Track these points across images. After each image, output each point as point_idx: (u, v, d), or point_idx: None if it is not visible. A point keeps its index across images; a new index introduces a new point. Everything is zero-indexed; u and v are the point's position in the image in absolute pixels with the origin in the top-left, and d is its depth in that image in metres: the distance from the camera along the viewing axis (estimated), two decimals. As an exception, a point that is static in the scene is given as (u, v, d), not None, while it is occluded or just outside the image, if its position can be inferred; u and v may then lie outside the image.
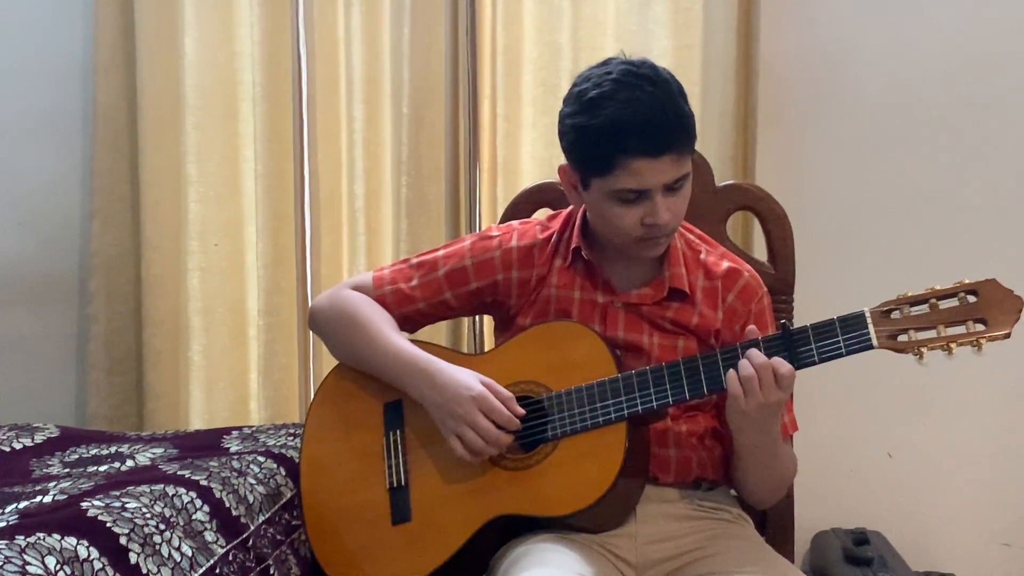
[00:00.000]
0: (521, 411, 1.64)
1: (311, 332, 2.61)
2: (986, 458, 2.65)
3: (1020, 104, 2.57)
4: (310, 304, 2.36)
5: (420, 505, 1.71)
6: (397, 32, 2.60)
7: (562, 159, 1.71)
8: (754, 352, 1.55)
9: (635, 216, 1.62)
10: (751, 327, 1.61)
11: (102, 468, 1.88)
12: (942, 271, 2.06)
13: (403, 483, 1.73)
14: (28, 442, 2.05)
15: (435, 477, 1.71)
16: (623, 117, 1.56)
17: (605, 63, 1.63)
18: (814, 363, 1.56)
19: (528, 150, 2.61)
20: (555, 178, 2.06)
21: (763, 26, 2.51)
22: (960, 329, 1.51)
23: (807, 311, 1.87)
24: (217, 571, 1.58)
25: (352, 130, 2.65)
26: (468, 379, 1.66)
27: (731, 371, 1.56)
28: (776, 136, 2.58)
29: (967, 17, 2.56)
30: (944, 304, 1.52)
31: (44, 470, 1.90)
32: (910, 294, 1.54)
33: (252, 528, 1.72)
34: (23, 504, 1.55)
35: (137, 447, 2.03)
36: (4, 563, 1.30)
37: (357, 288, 1.84)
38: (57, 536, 1.39)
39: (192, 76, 2.65)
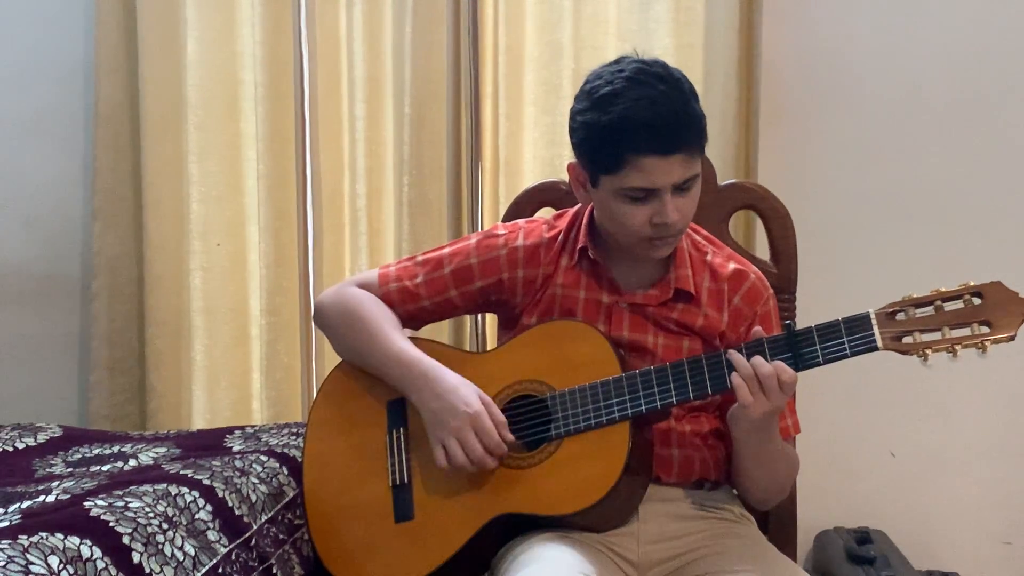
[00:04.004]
0: (511, 438, 1.64)
1: (314, 331, 2.63)
2: (989, 457, 2.64)
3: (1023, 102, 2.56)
4: (313, 303, 2.36)
5: (422, 503, 1.71)
6: (399, 31, 2.59)
7: (565, 158, 1.72)
8: (759, 361, 1.55)
9: (644, 215, 1.62)
10: (757, 328, 1.61)
11: (105, 468, 1.88)
12: (944, 269, 2.06)
13: (406, 481, 1.73)
14: (31, 442, 2.06)
15: (438, 475, 1.70)
16: (634, 114, 1.55)
17: (618, 61, 1.63)
18: (818, 364, 1.56)
19: (530, 149, 2.61)
20: (557, 177, 2.06)
21: (765, 25, 2.51)
22: (965, 331, 1.50)
23: (809, 310, 1.88)
24: (220, 570, 1.58)
25: (354, 129, 2.65)
26: (469, 395, 1.65)
27: (740, 383, 1.55)
28: (778, 135, 2.58)
29: (969, 15, 2.55)
30: (949, 306, 1.51)
31: (47, 470, 1.90)
32: (915, 296, 1.53)
33: (255, 527, 1.72)
34: (26, 504, 1.55)
35: (140, 447, 2.03)
36: (7, 563, 1.30)
37: (362, 285, 1.84)
38: (60, 536, 1.39)
39: (194, 76, 2.65)
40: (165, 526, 1.54)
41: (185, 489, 1.66)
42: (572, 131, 1.65)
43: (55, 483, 1.71)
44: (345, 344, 1.83)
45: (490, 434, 1.62)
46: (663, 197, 1.59)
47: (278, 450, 1.94)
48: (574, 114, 1.64)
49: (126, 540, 1.46)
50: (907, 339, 1.52)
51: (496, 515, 1.66)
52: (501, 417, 1.65)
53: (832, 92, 2.60)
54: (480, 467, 1.63)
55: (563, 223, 1.80)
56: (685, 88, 1.60)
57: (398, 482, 1.73)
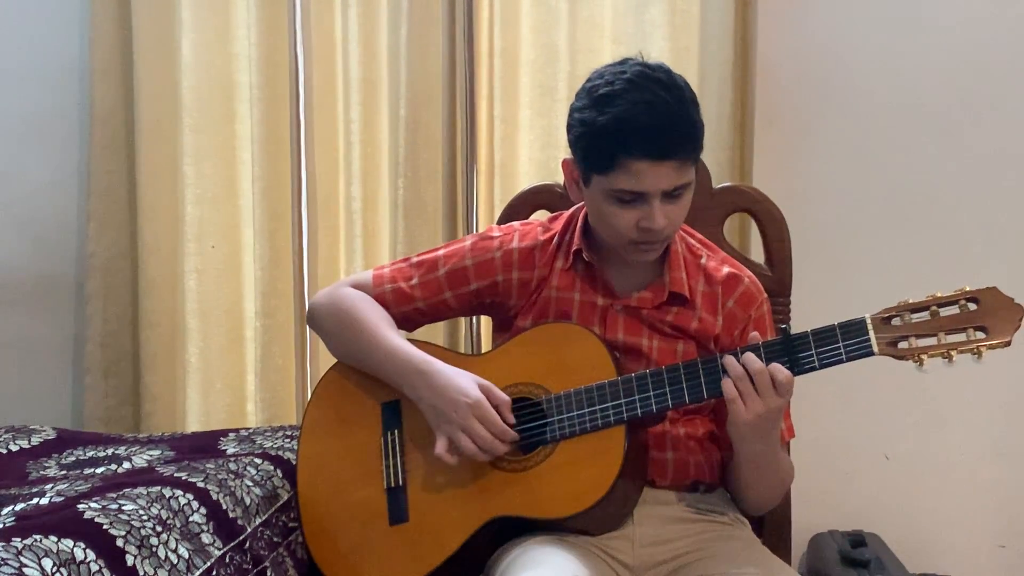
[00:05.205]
0: (511, 420, 1.64)
1: (308, 332, 2.63)
2: (983, 460, 2.65)
3: (1020, 106, 2.56)
4: (308, 304, 2.36)
5: (417, 506, 1.71)
6: (394, 34, 2.59)
7: (559, 159, 1.72)
8: (750, 357, 1.55)
9: (631, 218, 1.62)
10: (754, 333, 1.61)
11: (99, 470, 1.88)
12: (939, 273, 2.06)
13: (400, 483, 1.73)
14: (25, 444, 2.05)
15: (433, 478, 1.70)
16: (629, 117, 1.55)
17: (622, 62, 1.63)
18: (815, 369, 1.56)
19: (525, 152, 2.60)
20: (552, 180, 2.07)
21: (760, 28, 2.51)
22: (960, 336, 1.50)
23: (804, 313, 1.88)
24: (214, 573, 1.58)
25: (349, 132, 2.65)
26: (466, 384, 1.65)
27: (726, 379, 1.56)
28: (773, 138, 2.58)
29: (966, 18, 2.55)
30: (945, 311, 1.51)
31: (41, 472, 1.90)
32: (911, 301, 1.53)
33: (249, 530, 1.72)
34: (20, 506, 1.55)
35: (134, 449, 2.03)
36: (1, 565, 1.30)
37: (357, 286, 1.84)
38: (54, 538, 1.39)
39: (189, 78, 2.65)
40: (159, 529, 1.54)
41: (179, 492, 1.66)
42: (569, 127, 1.65)
43: (49, 485, 1.71)
44: (340, 344, 1.83)
45: (494, 420, 1.62)
46: (652, 202, 1.59)
47: (272, 452, 1.94)
48: (573, 111, 1.64)
49: (120, 543, 1.46)
50: (903, 344, 1.52)
51: (491, 518, 1.66)
52: (504, 397, 1.65)
53: (827, 95, 2.61)
54: (492, 453, 1.63)
55: (558, 225, 1.80)
56: (686, 96, 1.60)
57: (393, 484, 1.73)
